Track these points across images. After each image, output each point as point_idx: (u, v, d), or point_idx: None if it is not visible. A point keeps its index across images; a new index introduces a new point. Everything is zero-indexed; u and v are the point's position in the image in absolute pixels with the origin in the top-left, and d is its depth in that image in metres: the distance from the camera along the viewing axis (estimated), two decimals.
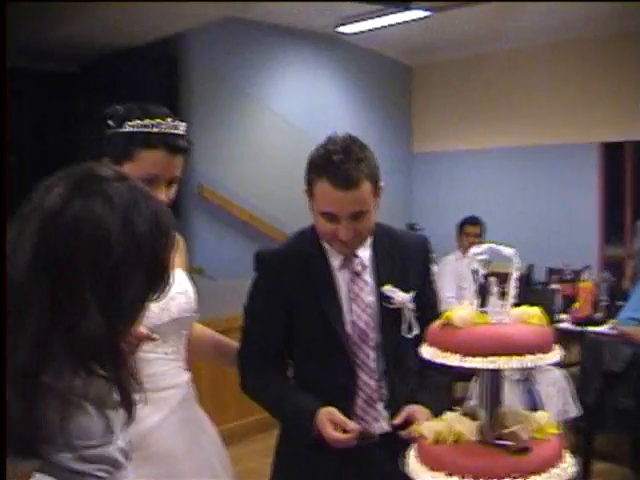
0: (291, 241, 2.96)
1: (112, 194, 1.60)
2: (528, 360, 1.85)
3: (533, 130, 10.61)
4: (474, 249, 2.05)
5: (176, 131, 2.57)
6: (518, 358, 1.84)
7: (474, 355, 1.85)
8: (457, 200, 11.00)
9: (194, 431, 2.74)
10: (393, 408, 2.76)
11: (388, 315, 2.72)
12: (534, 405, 3.86)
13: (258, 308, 2.87)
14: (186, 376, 2.79)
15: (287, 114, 10.49)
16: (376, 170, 2.75)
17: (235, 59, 10.12)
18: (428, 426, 2.02)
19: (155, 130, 2.52)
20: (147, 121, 2.52)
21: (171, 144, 2.54)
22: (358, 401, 2.76)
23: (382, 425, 2.78)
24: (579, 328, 6.58)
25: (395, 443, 2.58)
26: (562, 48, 10.29)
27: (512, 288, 2.07)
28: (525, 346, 1.87)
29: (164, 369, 2.66)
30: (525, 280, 9.70)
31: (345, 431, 2.59)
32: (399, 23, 9.60)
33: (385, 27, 9.87)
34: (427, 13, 9.21)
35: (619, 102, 9.77)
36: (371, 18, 9.65)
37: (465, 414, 2.06)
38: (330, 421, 2.60)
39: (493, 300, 2.02)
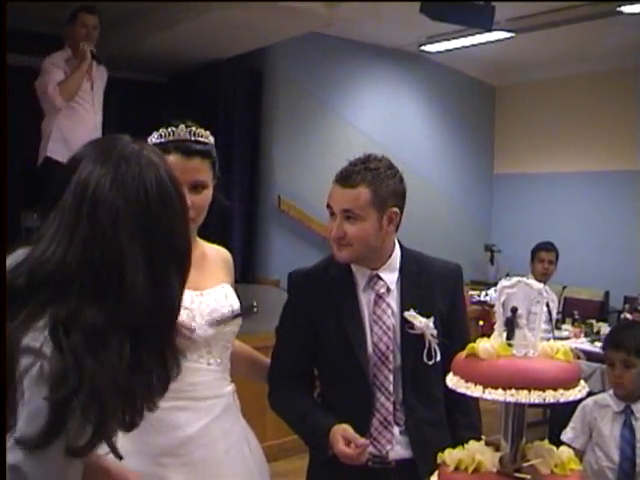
0: (322, 262, 3.00)
1: (140, 158, 1.70)
2: (549, 395, 1.85)
3: (616, 155, 10.50)
4: (503, 282, 2.06)
5: (191, 137, 2.66)
6: (539, 393, 1.85)
7: (496, 387, 1.87)
8: (536, 223, 10.92)
9: (236, 441, 2.78)
10: (412, 434, 2.79)
11: (410, 340, 2.75)
12: (632, 439, 3.81)
13: (286, 328, 2.95)
14: (230, 387, 2.84)
15: (368, 130, 10.56)
16: (386, 188, 2.76)
17: (318, 74, 10.22)
18: (451, 453, 2.05)
19: (170, 138, 2.62)
20: (163, 131, 2.64)
21: (183, 148, 2.63)
22: (374, 422, 2.79)
23: (398, 450, 2.80)
24: None
25: (414, 470, 2.65)
26: None
27: (540, 322, 2.07)
28: (547, 381, 1.88)
29: (207, 379, 2.71)
30: (600, 307, 9.60)
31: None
32: (483, 43, 9.59)
33: (469, 47, 9.87)
34: (510, 34, 9.19)
35: None
36: (455, 38, 9.70)
37: (488, 444, 2.07)
38: (342, 437, 2.63)
39: (520, 333, 2.03)
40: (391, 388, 2.80)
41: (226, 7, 7.74)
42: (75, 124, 6.45)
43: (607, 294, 10.14)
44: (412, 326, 2.72)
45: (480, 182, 12.18)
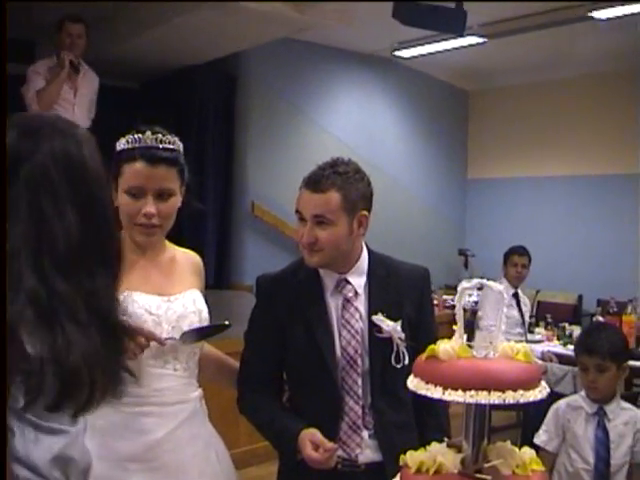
0: (290, 267, 2.99)
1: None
2: (509, 396, 1.85)
3: (586, 160, 10.58)
4: (464, 283, 2.06)
5: (156, 144, 2.63)
6: (499, 394, 1.85)
7: (456, 388, 1.87)
8: (509, 227, 10.98)
9: (203, 446, 2.78)
10: (380, 437, 2.79)
11: (378, 343, 2.74)
12: (606, 440, 3.82)
13: (255, 333, 2.93)
14: (197, 392, 2.83)
15: (342, 135, 10.58)
16: (355, 192, 2.76)
17: (292, 79, 10.24)
18: (412, 455, 2.05)
19: (135, 145, 2.61)
20: (130, 137, 2.63)
21: (149, 155, 2.61)
22: (343, 426, 2.79)
23: (367, 453, 2.80)
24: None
25: (382, 473, 2.64)
26: (620, 76, 10.23)
27: (500, 323, 2.07)
28: (507, 382, 1.88)
29: (173, 384, 2.70)
30: (574, 311, 9.65)
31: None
32: (455, 48, 9.64)
33: (442, 52, 9.92)
34: (482, 40, 9.24)
35: None
36: (428, 43, 9.74)
37: (450, 446, 2.08)
38: (310, 441, 2.63)
39: (480, 335, 2.03)
40: (360, 392, 2.80)
41: (198, 11, 7.73)
42: None
43: (580, 298, 10.20)
44: (380, 330, 2.71)
45: (454, 187, 12.23)
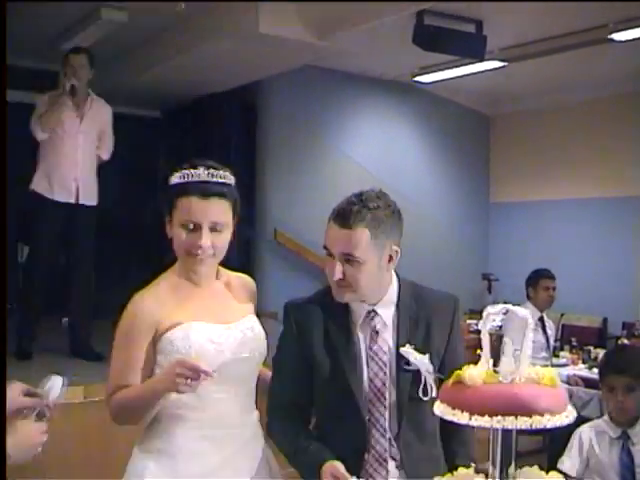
0: (318, 294, 2.94)
1: None
2: (536, 421, 1.85)
3: (610, 181, 10.51)
4: (489, 309, 2.06)
5: (210, 179, 2.70)
6: (525, 419, 1.85)
7: (482, 414, 1.87)
8: (532, 251, 10.92)
9: (260, 470, 2.82)
10: (407, 468, 2.75)
11: (405, 376, 2.70)
12: (631, 464, 3.77)
13: (282, 359, 2.90)
14: (255, 414, 2.89)
15: (363, 161, 10.58)
16: (385, 228, 2.70)
17: (312, 106, 10.25)
18: None
19: (189, 179, 2.68)
20: (184, 172, 2.69)
21: (202, 189, 2.67)
22: (369, 458, 2.76)
23: None
24: None
25: None
26: (638, 98, 10.18)
27: (527, 348, 2.06)
28: (534, 407, 1.88)
29: (232, 409, 2.76)
30: (599, 334, 9.58)
31: None
32: (475, 73, 9.63)
33: (462, 77, 9.91)
34: (502, 64, 9.23)
35: None
36: (448, 68, 9.73)
37: (478, 472, 2.07)
38: (332, 475, 2.59)
39: (506, 360, 2.02)
40: (386, 425, 2.76)
41: (218, 40, 7.79)
42: (57, 158, 6.53)
43: (605, 320, 10.12)
44: (408, 362, 2.68)
45: (476, 211, 12.19)
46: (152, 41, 8.74)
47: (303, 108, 10.28)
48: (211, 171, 2.71)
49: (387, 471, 2.76)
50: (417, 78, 10.49)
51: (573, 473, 3.91)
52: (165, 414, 2.67)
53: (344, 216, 2.63)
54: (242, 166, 10.08)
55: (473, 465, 2.13)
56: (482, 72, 9.63)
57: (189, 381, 2.46)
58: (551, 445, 6.59)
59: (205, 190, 2.67)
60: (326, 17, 7.57)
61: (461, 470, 2.10)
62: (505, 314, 2.04)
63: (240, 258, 9.57)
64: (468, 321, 9.05)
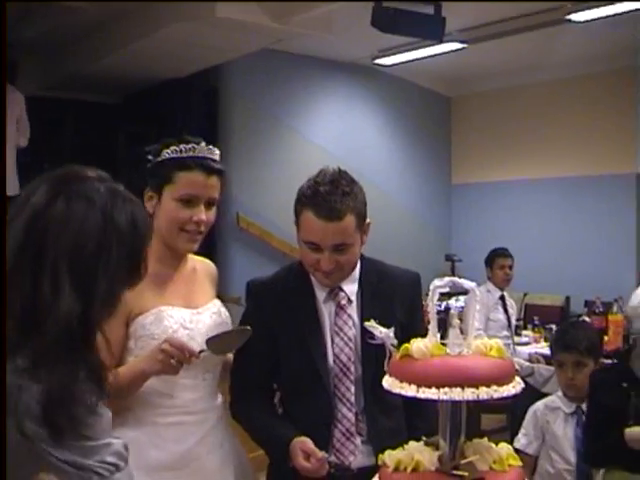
0: (280, 272, 2.98)
1: (93, 194, 1.77)
2: (482, 392, 1.86)
3: (571, 160, 10.59)
4: (436, 282, 2.07)
5: (210, 155, 2.73)
6: (472, 390, 1.86)
7: (429, 386, 1.88)
8: (495, 231, 10.97)
9: (227, 453, 2.84)
10: (373, 443, 2.78)
11: (370, 350, 2.68)
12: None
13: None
14: (220, 399, 2.90)
15: (325, 144, 10.57)
16: (363, 206, 2.76)
17: (273, 90, 10.24)
18: (390, 454, 2.06)
19: (190, 153, 2.68)
20: (182, 146, 2.68)
21: (206, 165, 2.70)
22: (336, 433, 2.78)
23: (360, 459, 2.78)
24: (608, 361, 6.49)
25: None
26: (599, 79, 10.27)
27: (473, 320, 2.07)
28: (480, 378, 1.89)
29: (202, 394, 2.77)
30: (561, 312, 9.66)
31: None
32: (435, 55, 9.65)
33: (422, 59, 9.93)
34: (462, 45, 9.25)
35: None
36: (408, 50, 9.74)
37: (428, 444, 2.08)
38: (302, 450, 2.61)
39: (453, 332, 2.04)
40: (353, 399, 2.79)
41: (176, 24, 7.74)
42: None
43: (568, 299, 10.20)
44: (372, 336, 2.69)
45: (438, 192, 12.23)
46: (111, 26, 8.67)
47: (264, 92, 10.25)
48: (211, 147, 2.74)
49: (355, 445, 2.79)
50: (377, 61, 10.50)
51: (529, 450, 3.96)
52: (136, 401, 2.66)
53: (329, 209, 2.64)
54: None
55: (423, 438, 2.14)
56: (442, 54, 9.66)
57: (173, 362, 2.48)
58: (513, 423, 6.65)
59: (208, 165, 2.70)
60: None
61: (411, 443, 2.11)
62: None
63: (203, 243, 9.57)
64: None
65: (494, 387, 1.90)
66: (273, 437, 2.78)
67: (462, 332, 2.06)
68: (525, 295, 10.24)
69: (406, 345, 2.03)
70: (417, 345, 1.99)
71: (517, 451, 3.77)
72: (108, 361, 2.61)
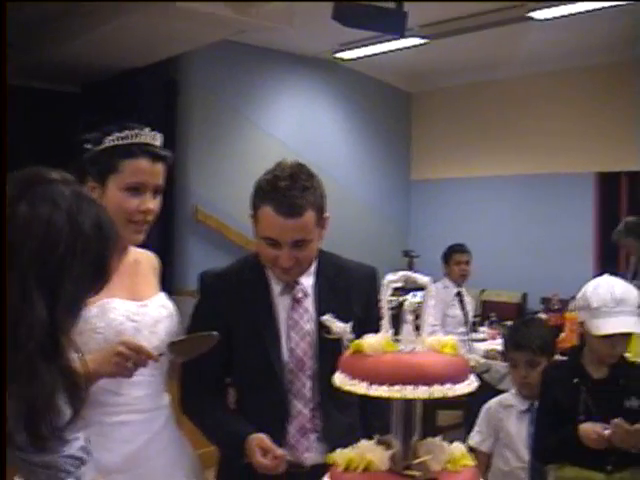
0: (235, 264, 2.93)
1: (57, 197, 1.71)
2: (436, 390, 1.81)
3: (530, 159, 10.62)
4: (389, 276, 2.02)
5: (155, 141, 2.65)
6: (425, 388, 1.81)
7: (381, 384, 1.83)
8: (453, 228, 10.98)
9: (177, 453, 2.77)
10: (328, 440, 2.73)
11: (327, 345, 2.62)
12: None
13: (198, 330, 2.80)
14: (168, 398, 2.82)
15: (284, 138, 10.52)
16: (322, 200, 2.72)
17: (234, 82, 10.16)
18: (341, 453, 2.01)
19: (135, 140, 2.60)
20: (126, 132, 2.60)
21: (152, 152, 2.62)
22: (291, 429, 2.74)
23: (315, 457, 2.74)
24: (563, 358, 6.49)
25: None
26: (560, 77, 10.32)
27: (427, 316, 2.02)
28: (434, 376, 1.84)
29: (150, 391, 2.69)
30: (518, 309, 9.69)
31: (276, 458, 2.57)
32: (397, 50, 9.63)
33: (383, 53, 9.91)
34: (423, 41, 9.24)
35: (615, 133, 9.78)
36: (369, 44, 9.71)
37: (380, 443, 2.04)
38: (259, 447, 2.56)
39: (407, 329, 1.99)
40: (309, 395, 2.76)
41: (136, 14, 7.64)
42: None
43: (525, 296, 10.24)
44: (329, 331, 2.64)
45: (397, 188, 12.22)
46: (69, 14, 8.54)
47: (223, 84, 10.17)
48: (154, 132, 2.66)
49: (309, 442, 2.75)
50: (338, 55, 10.46)
51: (483, 447, 3.94)
52: None
53: (289, 206, 2.59)
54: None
55: (376, 437, 2.09)
56: (403, 49, 9.63)
57: (129, 364, 2.40)
58: (469, 420, 6.64)
59: (153, 152, 2.62)
60: None
61: (363, 442, 2.06)
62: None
63: (160, 236, 9.47)
64: (390, 298, 9.08)
65: (448, 385, 1.85)
66: (227, 434, 2.73)
67: (417, 328, 2.02)
68: (482, 291, 10.27)
69: (357, 341, 1.97)
70: (369, 341, 1.94)
71: (471, 449, 3.81)
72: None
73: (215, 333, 2.54)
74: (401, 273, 2.00)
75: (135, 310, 2.62)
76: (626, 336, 3.27)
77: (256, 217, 2.70)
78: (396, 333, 2.06)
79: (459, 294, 7.47)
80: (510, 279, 10.33)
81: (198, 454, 2.93)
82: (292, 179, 2.63)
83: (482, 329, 8.02)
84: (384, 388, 1.83)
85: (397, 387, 1.82)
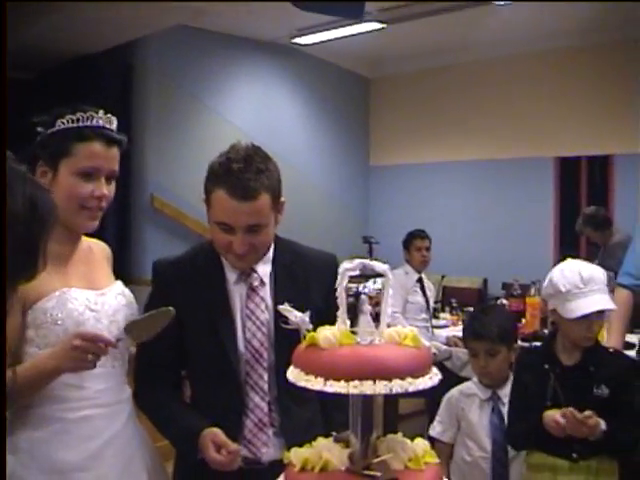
0: (189, 252, 2.83)
1: None
2: (396, 385, 1.70)
3: (490, 144, 10.64)
4: (345, 264, 1.92)
5: (109, 125, 2.55)
6: (385, 383, 1.71)
7: (338, 379, 1.72)
8: (412, 214, 10.96)
9: (139, 447, 2.68)
10: (286, 435, 2.65)
11: (285, 335, 2.49)
12: (501, 424, 3.73)
13: None
14: (129, 391, 2.72)
15: (242, 124, 10.41)
16: (278, 184, 2.62)
17: (190, 68, 10.05)
18: (297, 452, 1.90)
19: (88, 123, 2.50)
20: (79, 115, 2.49)
21: (106, 135, 2.52)
22: (248, 423, 2.65)
23: (271, 452, 2.64)
24: (526, 344, 6.45)
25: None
26: (518, 61, 10.34)
27: (386, 306, 1.92)
28: (394, 370, 1.73)
29: (112, 384, 2.59)
30: (479, 295, 9.67)
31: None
32: (355, 35, 9.56)
33: (341, 38, 9.83)
34: (381, 25, 9.17)
35: (575, 117, 9.80)
36: (327, 29, 9.62)
37: (337, 440, 1.94)
38: (213, 442, 2.47)
39: (364, 319, 1.89)
40: (265, 387, 2.66)
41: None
42: None
43: (485, 282, 10.23)
44: (286, 321, 2.56)
45: (356, 174, 12.19)
46: (22, 1, 8.38)
47: (180, 70, 10.05)
48: (108, 115, 2.56)
49: (267, 436, 2.66)
50: (296, 40, 10.36)
51: (445, 438, 3.89)
52: (38, 397, 2.43)
53: (243, 189, 2.50)
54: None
55: (333, 434, 1.99)
56: (361, 34, 9.56)
57: (90, 356, 2.28)
58: (431, 407, 6.59)
59: (108, 135, 2.52)
60: None
61: (320, 440, 1.95)
62: (362, 269, 1.90)
63: (117, 224, 9.34)
64: (349, 284, 9.00)
65: (409, 379, 1.74)
66: (181, 428, 2.64)
67: (378, 316, 1.92)
68: (443, 277, 10.24)
69: (312, 333, 1.87)
70: (324, 333, 1.83)
71: (432, 439, 3.76)
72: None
73: (171, 308, 2.41)
74: (358, 261, 1.89)
75: (94, 299, 2.53)
76: (600, 316, 3.23)
77: (209, 201, 2.59)
78: (352, 324, 1.96)
79: (420, 280, 7.39)
80: (471, 265, 10.34)
81: (157, 447, 2.83)
82: (246, 161, 2.53)
83: (443, 315, 7.98)
84: (341, 384, 1.72)
85: (355, 382, 1.71)
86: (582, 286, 3.17)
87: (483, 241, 10.54)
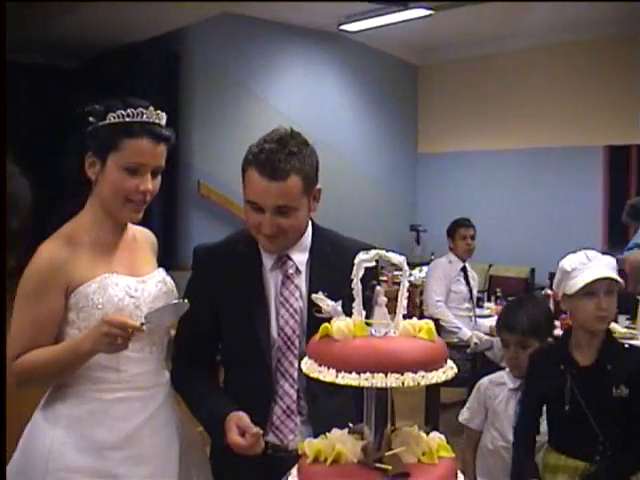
0: (229, 238, 2.85)
1: None
2: (408, 378, 1.68)
3: (538, 132, 10.50)
4: (361, 255, 1.90)
5: (158, 121, 2.58)
6: (397, 376, 1.69)
7: (350, 371, 1.71)
8: (460, 202, 10.88)
9: (176, 429, 2.72)
10: (313, 423, 2.64)
11: (318, 324, 2.54)
12: None
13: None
14: (166, 376, 2.76)
15: (288, 112, 10.39)
16: (312, 169, 2.61)
17: (237, 56, 10.07)
18: (310, 443, 1.89)
19: (138, 119, 2.52)
20: (130, 111, 2.52)
21: (155, 132, 2.55)
22: (276, 410, 2.64)
23: (298, 439, 2.58)
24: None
25: None
26: (569, 49, 10.19)
27: (402, 298, 1.89)
28: (406, 363, 1.70)
29: (150, 368, 2.64)
30: (525, 284, 9.58)
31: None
32: (402, 21, 9.50)
33: (389, 25, 9.77)
34: (428, 12, 9.10)
35: (625, 105, 9.65)
36: (374, 16, 9.57)
37: (352, 432, 1.92)
38: (237, 425, 2.46)
39: (379, 311, 1.86)
40: (295, 375, 2.65)
41: None
42: None
43: (532, 271, 10.13)
44: (320, 310, 2.55)
45: (404, 162, 12.13)
46: None
47: (227, 58, 10.08)
48: (159, 113, 2.59)
49: (295, 424, 2.65)
50: (343, 27, 10.30)
51: (472, 425, 3.89)
52: (75, 376, 2.51)
53: (273, 168, 2.50)
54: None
55: (350, 425, 1.97)
56: (408, 20, 9.50)
57: (120, 340, 2.35)
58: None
59: (157, 133, 2.55)
60: None
61: (334, 431, 1.94)
62: (378, 260, 1.89)
63: (163, 211, 9.40)
64: (395, 272, 8.97)
65: (421, 373, 1.72)
66: (209, 410, 2.65)
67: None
68: (490, 266, 10.16)
69: (326, 324, 1.85)
70: (338, 325, 1.81)
71: (461, 425, 3.78)
72: (47, 340, 2.50)
73: (185, 301, 2.45)
74: (374, 252, 1.88)
75: (134, 286, 2.58)
76: (609, 295, 3.13)
77: (244, 181, 2.61)
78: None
79: (464, 269, 7.34)
80: (518, 254, 10.24)
81: (200, 431, 2.85)
82: (279, 143, 2.54)
83: (487, 305, 7.92)
84: (353, 376, 1.70)
85: (367, 375, 1.70)
86: (587, 262, 3.12)
87: (530, 230, 10.43)
